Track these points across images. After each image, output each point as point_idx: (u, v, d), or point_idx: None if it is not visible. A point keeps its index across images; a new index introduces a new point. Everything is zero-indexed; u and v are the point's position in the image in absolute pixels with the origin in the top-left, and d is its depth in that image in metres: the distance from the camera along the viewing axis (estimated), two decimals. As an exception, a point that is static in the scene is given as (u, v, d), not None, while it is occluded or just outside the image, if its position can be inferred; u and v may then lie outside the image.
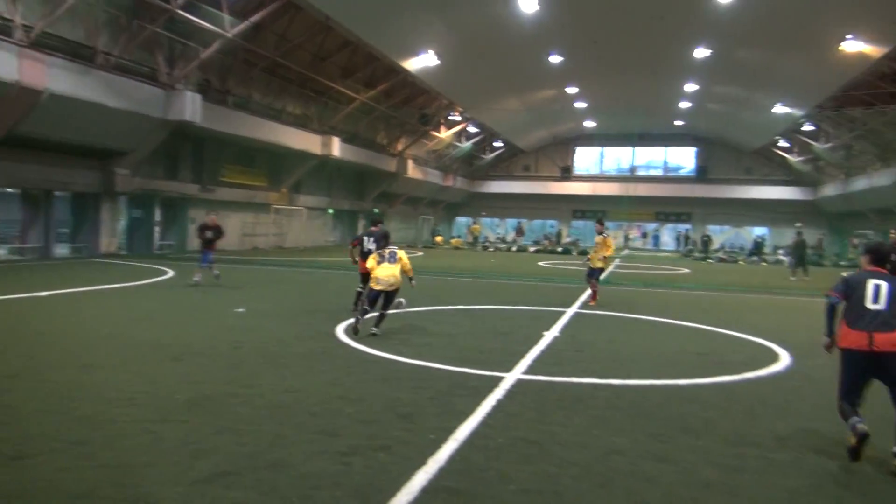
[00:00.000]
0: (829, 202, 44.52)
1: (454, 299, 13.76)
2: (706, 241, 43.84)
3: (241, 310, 11.02)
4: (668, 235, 54.55)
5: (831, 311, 5.10)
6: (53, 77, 17.62)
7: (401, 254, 9.41)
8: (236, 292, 13.78)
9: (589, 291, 14.11)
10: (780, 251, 40.00)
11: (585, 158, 55.85)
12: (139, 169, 23.36)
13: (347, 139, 33.90)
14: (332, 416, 5.37)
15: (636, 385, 6.88)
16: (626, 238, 51.05)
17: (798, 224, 25.57)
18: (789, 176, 48.04)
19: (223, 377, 6.52)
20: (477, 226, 50.96)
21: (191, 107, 21.87)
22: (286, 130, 29.29)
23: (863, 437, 4.68)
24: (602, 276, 14.41)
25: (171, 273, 17.00)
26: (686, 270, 27.08)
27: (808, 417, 5.90)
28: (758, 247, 41.68)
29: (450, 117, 42.68)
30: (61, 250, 22.36)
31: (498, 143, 51.43)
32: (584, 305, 13.37)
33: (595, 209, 50.27)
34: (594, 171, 55.39)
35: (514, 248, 42.64)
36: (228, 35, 21.42)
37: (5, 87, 16.39)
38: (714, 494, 4.14)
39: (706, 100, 39.19)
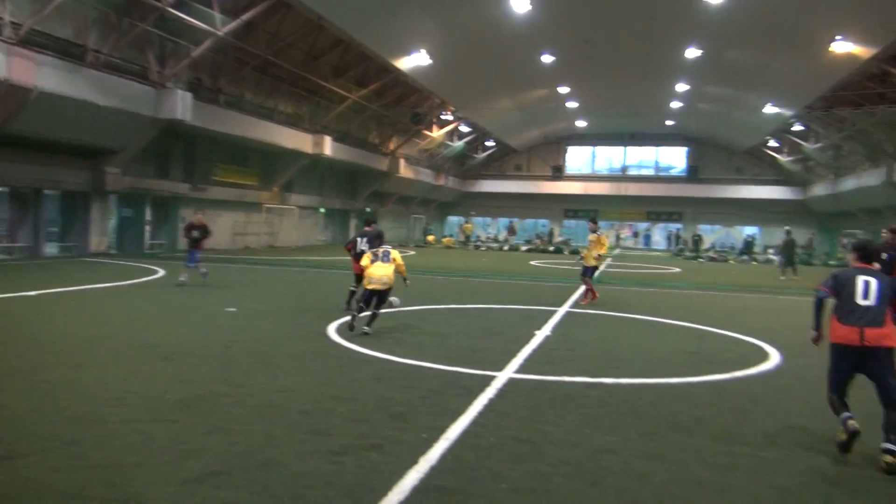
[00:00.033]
0: (819, 202, 44.82)
1: (446, 299, 13.77)
2: (697, 241, 44.04)
3: (232, 309, 10.99)
4: (659, 235, 54.76)
5: (819, 305, 5.23)
6: (43, 75, 17.48)
7: (394, 254, 9.47)
8: (227, 292, 13.74)
9: (582, 289, 14.15)
10: (771, 251, 40.26)
11: (577, 158, 55.97)
12: (130, 168, 23.23)
13: (339, 138, 33.83)
14: (324, 416, 5.37)
15: (628, 384, 6.91)
16: (618, 237, 51.22)
17: (787, 227, 25.74)
18: (779, 176, 48.34)
19: (214, 377, 6.50)
20: (469, 225, 50.99)
21: (182, 105, 21.76)
22: (278, 129, 29.20)
23: (854, 434, 4.79)
24: (594, 275, 14.45)
25: (161, 272, 16.91)
26: (677, 270, 27.20)
27: (798, 415, 5.94)
28: (748, 246, 41.94)
29: (442, 116, 42.64)
30: (51, 249, 22.20)
31: (490, 143, 51.45)
32: (576, 304, 13.41)
33: (586, 209, 50.44)
34: (586, 170, 55.51)
35: (505, 248, 42.71)
36: (220, 33, 21.33)
37: (-6, 85, 16.28)
38: (705, 493, 4.17)
39: (697, 100, 39.35)
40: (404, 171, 41.37)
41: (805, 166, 44.29)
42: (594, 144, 54.61)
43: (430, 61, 29.49)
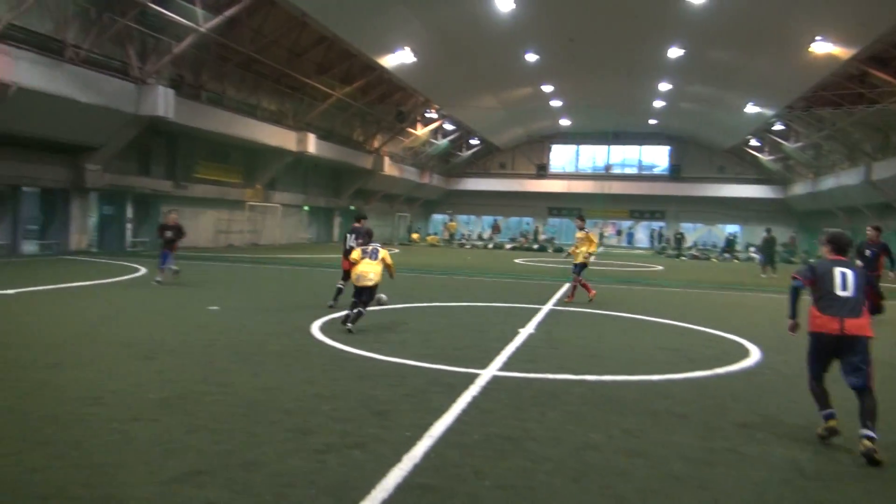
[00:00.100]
0: (799, 200, 45.36)
1: (430, 297, 13.77)
2: (679, 239, 44.41)
3: (214, 308, 10.91)
4: (642, 233, 55.15)
5: (795, 294, 5.36)
6: (21, 71, 17.23)
7: (383, 253, 9.58)
8: (210, 290, 13.64)
9: (566, 287, 14.17)
10: (752, 249, 40.68)
11: (561, 156, 56.19)
12: (110, 165, 22.97)
13: (323, 136, 33.69)
14: (307, 414, 5.35)
15: (610, 381, 6.95)
16: (601, 235, 51.48)
17: (767, 227, 26.07)
18: (760, 175, 48.87)
19: (196, 375, 6.45)
20: (453, 223, 51.01)
21: (163, 102, 21.55)
22: (261, 126, 29.02)
23: (831, 433, 5.04)
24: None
25: (143, 270, 16.75)
26: (659, 268, 27.40)
27: (778, 411, 6.01)
28: (730, 244, 42.37)
29: (426, 114, 42.62)
30: (30, 247, 21.89)
31: (474, 141, 51.51)
32: (560, 302, 13.47)
33: (570, 207, 50.71)
34: (570, 169, 55.76)
35: (490, 246, 42.78)
36: (202, 29, 21.13)
37: (-29, 80, 16.04)
38: (686, 488, 4.20)
39: (680, 99, 39.65)
40: (389, 168, 41.29)
41: (785, 165, 44.81)
42: (578, 143, 54.86)
43: (414, 59, 29.44)
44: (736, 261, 36.49)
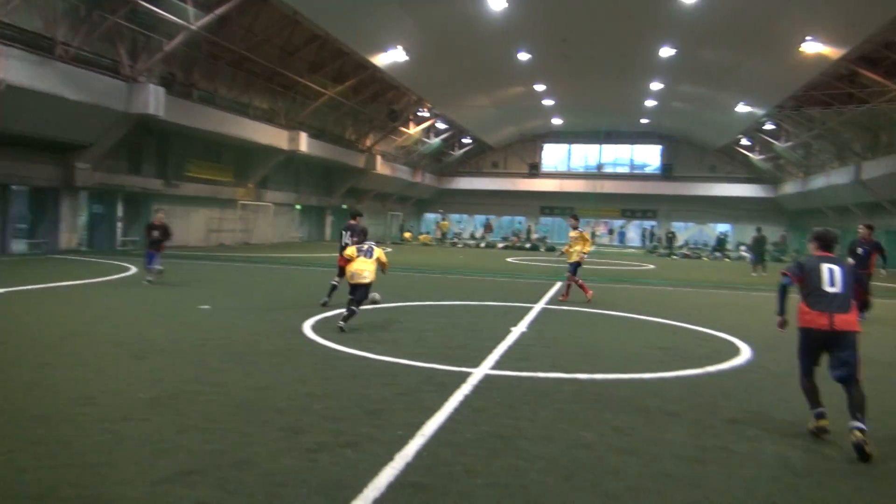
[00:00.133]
0: (789, 200, 45.62)
1: (423, 296, 13.77)
2: (671, 238, 44.58)
3: (206, 307, 10.87)
4: (633, 232, 55.34)
5: (783, 290, 5.43)
6: (11, 68, 17.08)
7: (378, 252, 9.60)
8: (201, 289, 13.59)
9: (558, 285, 14.19)
10: (742, 248, 40.89)
11: (553, 155, 56.27)
12: (101, 163, 22.83)
13: (315, 134, 33.61)
14: (299, 414, 5.34)
15: (602, 379, 6.97)
16: (593, 234, 51.59)
17: (758, 226, 26.23)
18: (751, 174, 49.11)
19: (188, 375, 6.42)
20: (445, 222, 51.02)
21: (154, 100, 21.43)
22: (253, 125, 28.91)
23: (821, 431, 5.12)
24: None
25: (133, 269, 16.66)
26: (651, 266, 27.50)
27: (768, 408, 6.04)
28: (721, 243, 42.56)
29: (419, 113, 42.55)
30: (19, 246, 21.75)
31: (467, 140, 51.50)
32: (553, 301, 13.49)
33: (563, 206, 50.78)
34: (562, 168, 55.85)
35: (482, 245, 42.81)
36: (193, 27, 21.03)
37: (-41, 78, 15.90)
38: (677, 486, 4.22)
39: (671, 98, 39.78)
40: (381, 167, 41.25)
41: (776, 165, 45.05)
42: (570, 142, 54.95)
43: (406, 58, 29.39)
44: (727, 260, 36.67)
